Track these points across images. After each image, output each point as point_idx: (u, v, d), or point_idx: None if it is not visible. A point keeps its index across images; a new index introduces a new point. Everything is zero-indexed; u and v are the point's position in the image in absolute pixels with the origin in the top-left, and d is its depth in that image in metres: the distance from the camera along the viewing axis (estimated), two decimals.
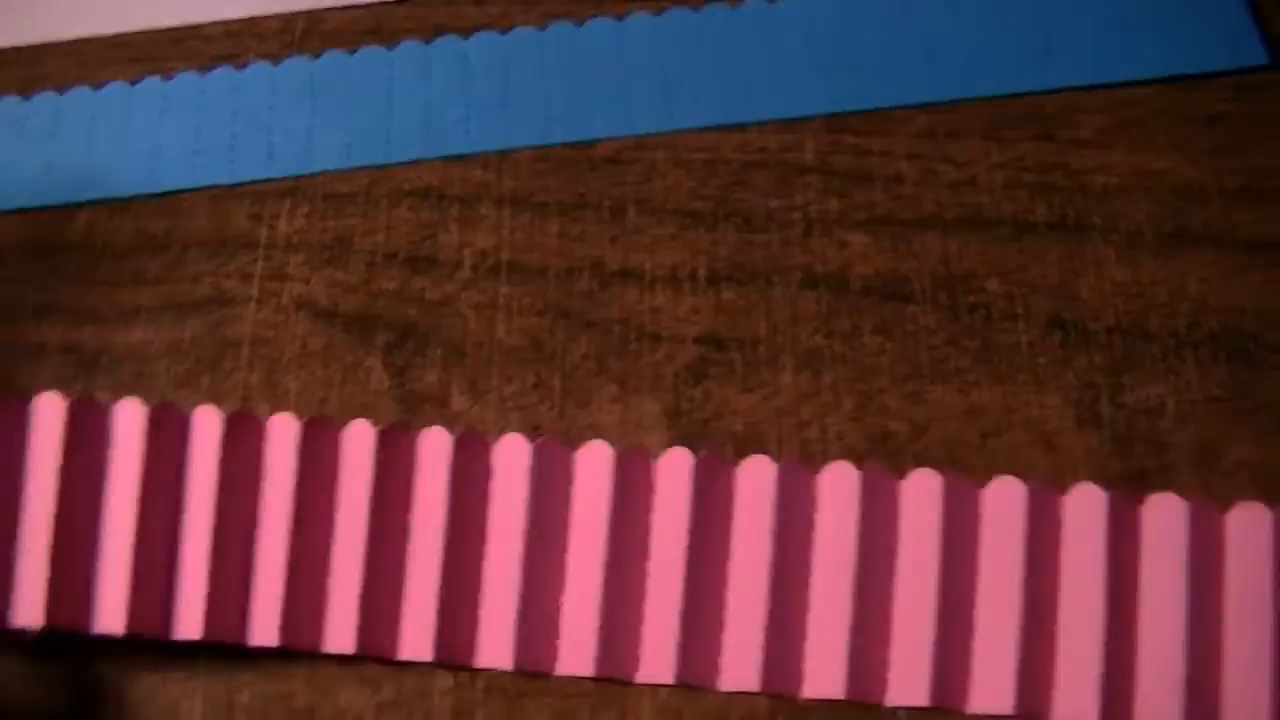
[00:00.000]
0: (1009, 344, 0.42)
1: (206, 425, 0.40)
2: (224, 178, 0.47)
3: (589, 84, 0.48)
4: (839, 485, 0.39)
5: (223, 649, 0.40)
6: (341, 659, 0.40)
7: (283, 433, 0.40)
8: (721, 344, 0.43)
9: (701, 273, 0.44)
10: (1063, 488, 0.39)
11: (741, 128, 0.47)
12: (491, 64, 0.48)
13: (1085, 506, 0.38)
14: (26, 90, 0.50)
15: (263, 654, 0.40)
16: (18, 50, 0.51)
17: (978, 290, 0.43)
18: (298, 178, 0.47)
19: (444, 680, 0.39)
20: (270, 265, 0.45)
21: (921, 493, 0.39)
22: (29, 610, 0.38)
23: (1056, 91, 0.46)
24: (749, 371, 0.42)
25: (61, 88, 0.49)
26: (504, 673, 0.39)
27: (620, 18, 0.49)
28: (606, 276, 0.45)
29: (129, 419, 0.39)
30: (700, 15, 0.48)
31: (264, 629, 0.39)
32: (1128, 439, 0.41)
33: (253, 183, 0.47)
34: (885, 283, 0.44)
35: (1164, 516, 0.38)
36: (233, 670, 0.40)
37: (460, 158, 0.47)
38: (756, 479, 0.39)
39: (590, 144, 0.47)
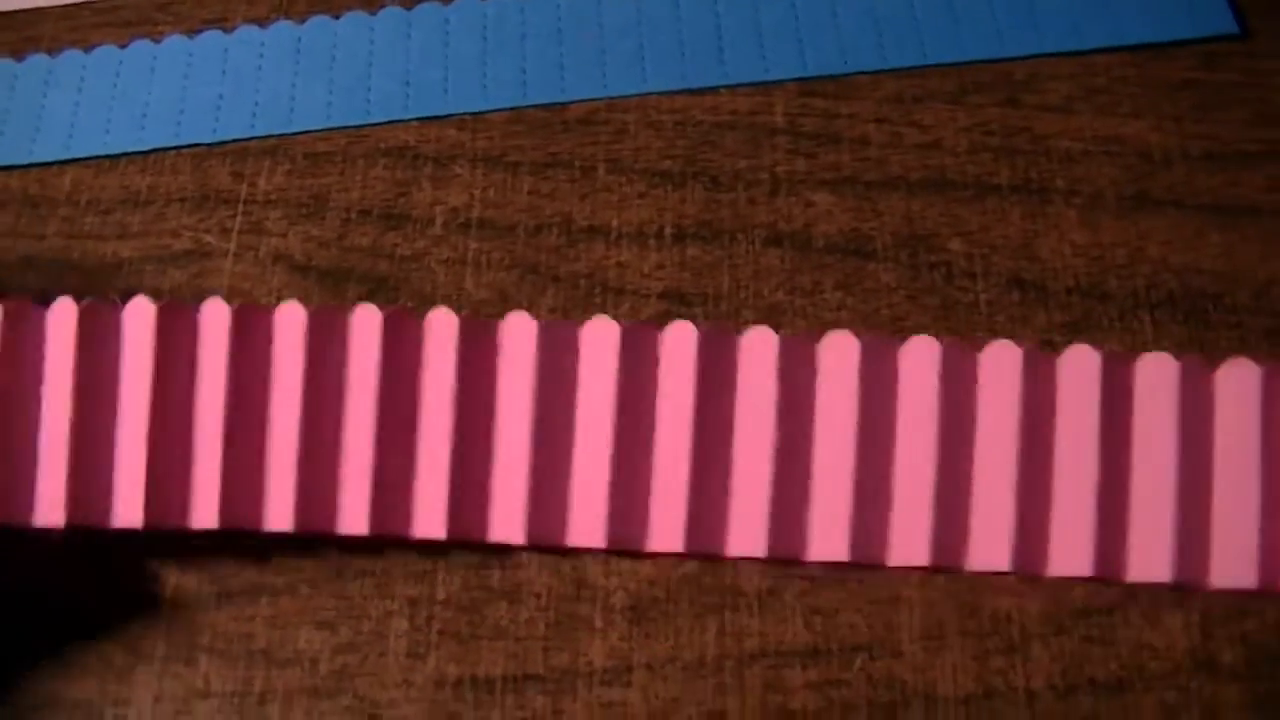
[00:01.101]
0: (968, 302, 0.43)
1: (215, 319, 0.41)
2: (208, 137, 0.48)
3: (564, 48, 0.49)
4: (840, 353, 0.40)
5: (188, 587, 0.41)
6: (301, 600, 0.41)
7: (290, 320, 0.41)
8: (685, 299, 0.44)
9: (668, 230, 0.45)
10: (1057, 350, 0.40)
11: (713, 91, 0.47)
12: (470, 28, 0.49)
13: (1081, 366, 0.39)
14: (19, 52, 0.51)
15: (227, 595, 0.41)
16: (12, 14, 0.52)
17: (939, 249, 0.44)
18: (279, 137, 0.48)
19: (399, 623, 0.40)
20: (249, 220, 0.46)
21: (919, 358, 0.40)
22: (50, 511, 0.40)
23: (1025, 58, 0.47)
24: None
25: (53, 50, 0.51)
26: (458, 616, 0.40)
27: None
28: (574, 233, 0.45)
29: (139, 317, 0.40)
30: None
31: (279, 515, 0.40)
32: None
33: (235, 141, 0.48)
34: (848, 241, 0.44)
35: (1155, 373, 0.39)
36: (194, 611, 0.41)
37: (436, 119, 0.48)
38: (760, 349, 0.40)
39: (563, 106, 0.48)
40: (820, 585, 0.40)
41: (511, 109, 0.48)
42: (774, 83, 0.47)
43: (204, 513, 0.40)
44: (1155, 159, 0.45)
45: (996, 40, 0.47)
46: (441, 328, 0.41)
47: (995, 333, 0.42)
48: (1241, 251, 0.43)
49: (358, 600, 0.41)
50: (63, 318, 0.40)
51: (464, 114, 0.48)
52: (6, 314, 0.40)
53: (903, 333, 0.42)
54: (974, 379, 0.39)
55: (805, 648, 0.39)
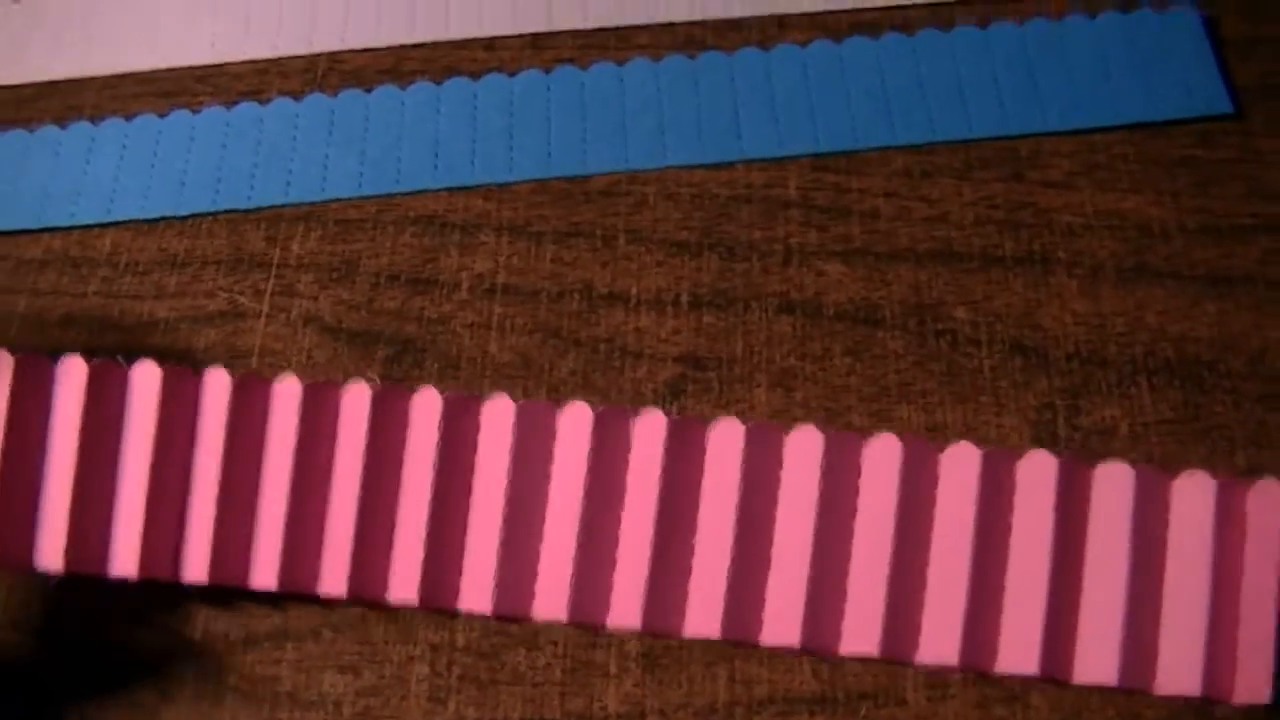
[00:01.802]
0: (972, 368, 0.44)
1: (215, 386, 0.42)
2: (244, 203, 0.50)
3: (588, 123, 0.50)
4: (804, 446, 0.41)
5: (217, 631, 0.42)
6: (325, 644, 0.42)
7: (287, 393, 0.42)
8: (700, 363, 0.45)
9: (684, 297, 0.47)
10: (1017, 453, 0.40)
11: (729, 165, 0.49)
12: (498, 103, 0.51)
13: (1037, 471, 0.40)
14: (63, 120, 0.53)
15: (254, 638, 0.42)
16: (56, 84, 0.54)
17: (945, 318, 0.45)
18: (312, 204, 0.50)
19: (421, 668, 0.41)
20: (281, 283, 0.48)
21: (882, 455, 0.40)
22: (51, 556, 0.41)
23: (1029, 136, 0.49)
24: (725, 389, 0.45)
25: (95, 119, 0.53)
26: (478, 661, 0.41)
27: (621, 63, 0.51)
28: (595, 299, 0.47)
29: (145, 380, 0.42)
30: (696, 61, 0.51)
31: (264, 574, 0.41)
32: (1082, 457, 0.42)
33: (270, 208, 0.50)
34: (857, 309, 0.46)
35: (1112, 483, 0.39)
36: (221, 653, 0.42)
37: (464, 189, 0.50)
38: (727, 439, 0.41)
39: (586, 178, 0.49)
40: None
41: (536, 180, 0.50)
42: (788, 158, 0.49)
43: (195, 568, 0.41)
44: (1154, 232, 0.46)
45: (1002, 119, 0.49)
46: (426, 407, 0.42)
47: (998, 398, 0.44)
48: (1236, 320, 0.44)
49: (380, 645, 0.42)
50: (73, 374, 0.42)
51: (490, 184, 0.50)
52: (19, 367, 0.41)
53: (909, 398, 0.44)
54: (934, 479, 0.40)
55: (813, 695, 0.40)
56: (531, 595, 0.41)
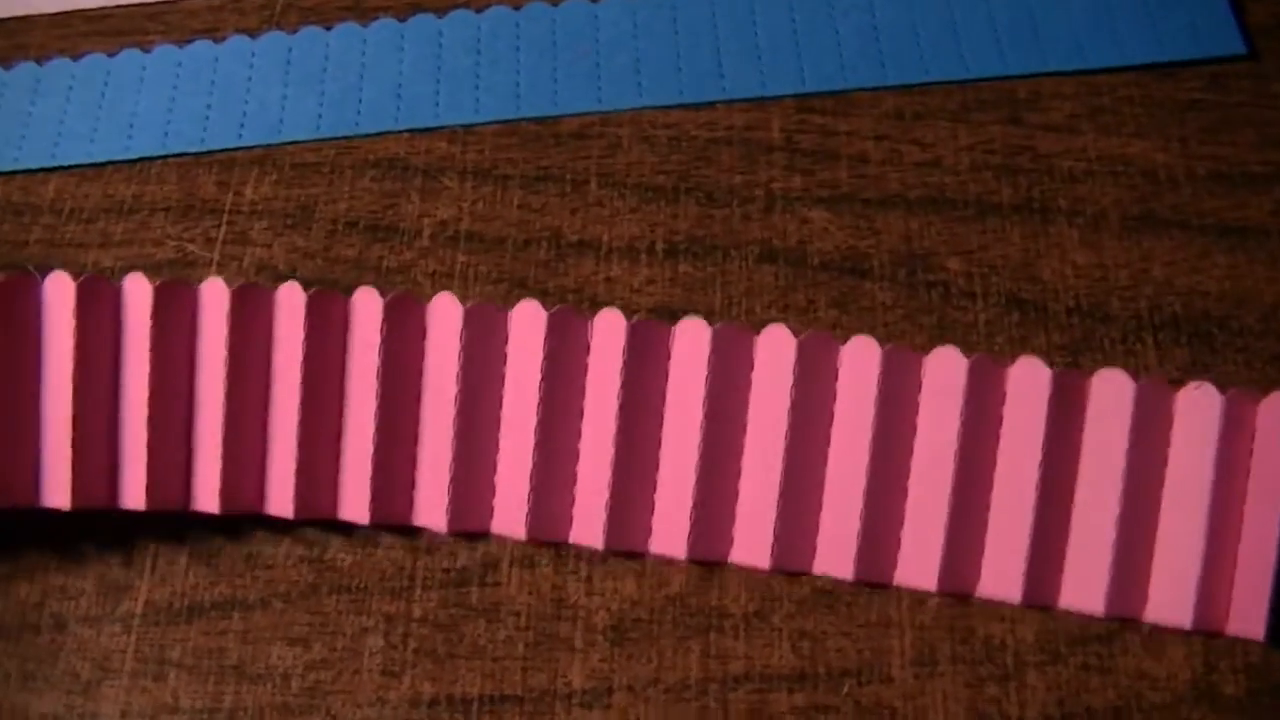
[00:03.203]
0: (966, 322, 0.42)
1: (138, 296, 0.40)
2: (195, 146, 0.48)
3: (559, 60, 0.48)
4: (775, 348, 0.39)
5: (159, 601, 0.40)
6: (274, 615, 0.40)
7: (216, 298, 0.40)
8: (675, 315, 0.43)
9: (659, 245, 0.44)
10: (1008, 360, 0.38)
11: (709, 106, 0.47)
12: (464, 40, 0.49)
13: (1028, 379, 0.38)
14: (7, 60, 0.50)
15: (199, 609, 0.40)
16: (1, 22, 0.52)
17: (937, 268, 0.43)
18: (267, 147, 0.47)
19: (375, 640, 0.39)
20: (234, 230, 0.46)
21: (859, 358, 0.38)
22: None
23: (1028, 77, 0.46)
24: None
25: (41, 58, 0.50)
26: (435, 634, 0.39)
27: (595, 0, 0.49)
28: (564, 247, 0.45)
29: (60, 292, 0.40)
30: None
31: (206, 497, 0.40)
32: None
33: (223, 151, 0.48)
34: (844, 258, 0.43)
35: (1110, 393, 0.37)
36: (164, 625, 0.40)
37: (427, 130, 0.47)
38: (694, 341, 0.39)
39: (556, 119, 0.47)
40: (808, 608, 0.39)
41: (503, 122, 0.47)
42: (771, 98, 0.47)
43: (133, 495, 0.40)
44: (1160, 179, 0.44)
45: (999, 58, 0.46)
46: (370, 308, 0.40)
47: (994, 353, 0.41)
48: (1248, 274, 0.42)
49: (333, 616, 0.40)
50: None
51: (455, 126, 0.47)
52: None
53: None
54: (916, 386, 0.38)
55: (792, 672, 0.38)
56: (490, 511, 0.40)
